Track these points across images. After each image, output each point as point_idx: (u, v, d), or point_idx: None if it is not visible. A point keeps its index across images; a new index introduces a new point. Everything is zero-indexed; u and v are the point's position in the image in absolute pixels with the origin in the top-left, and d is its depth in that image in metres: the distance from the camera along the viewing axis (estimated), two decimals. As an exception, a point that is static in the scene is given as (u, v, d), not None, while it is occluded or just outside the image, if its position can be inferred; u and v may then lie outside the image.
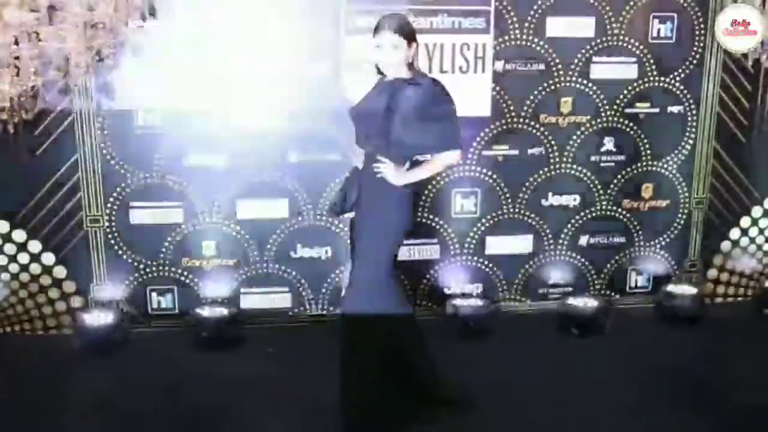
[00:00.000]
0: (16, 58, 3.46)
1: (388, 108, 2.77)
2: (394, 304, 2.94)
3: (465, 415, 3.08)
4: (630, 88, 4.26)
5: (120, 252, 4.02)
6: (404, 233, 2.97)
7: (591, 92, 4.23)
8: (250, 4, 3.82)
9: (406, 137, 2.78)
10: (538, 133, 4.25)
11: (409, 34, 2.80)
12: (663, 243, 4.54)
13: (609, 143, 4.33)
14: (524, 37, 4.09)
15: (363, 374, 2.89)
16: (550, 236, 4.41)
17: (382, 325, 2.86)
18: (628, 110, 4.29)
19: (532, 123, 4.22)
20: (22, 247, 3.93)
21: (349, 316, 2.91)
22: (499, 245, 4.35)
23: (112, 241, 4.00)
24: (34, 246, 3.94)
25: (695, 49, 4.24)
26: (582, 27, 4.12)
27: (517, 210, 4.33)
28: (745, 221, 4.57)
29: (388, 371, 2.91)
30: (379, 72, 2.93)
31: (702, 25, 4.20)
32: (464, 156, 4.06)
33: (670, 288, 4.37)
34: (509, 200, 4.31)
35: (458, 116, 2.84)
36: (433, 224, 4.28)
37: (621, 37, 4.17)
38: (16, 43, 3.44)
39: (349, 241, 3.10)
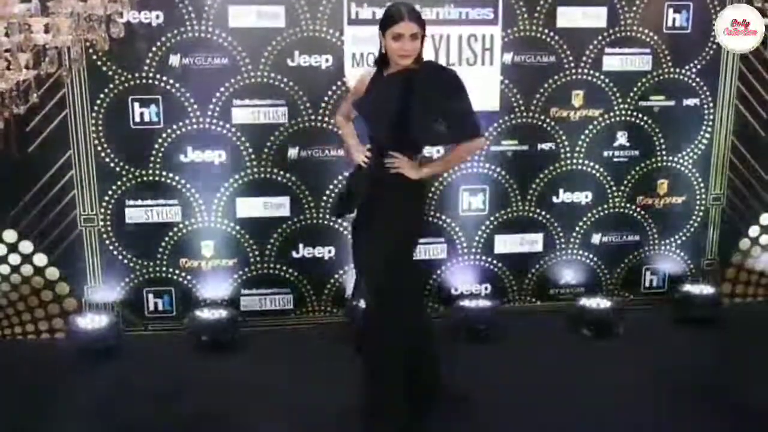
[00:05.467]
0: (7, 50, 3.36)
1: (406, 100, 2.71)
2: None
3: (469, 417, 3.04)
4: (644, 80, 4.15)
5: (115, 252, 3.91)
6: (420, 230, 3.00)
7: (603, 85, 4.12)
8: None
9: (430, 128, 2.77)
10: (549, 128, 4.14)
11: (423, 24, 2.76)
12: (679, 241, 4.43)
13: (622, 138, 4.22)
14: (534, 27, 3.97)
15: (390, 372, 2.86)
16: (561, 234, 4.29)
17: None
18: (642, 103, 4.19)
19: (543, 117, 4.12)
20: (13, 247, 3.83)
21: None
22: (508, 244, 4.25)
23: (107, 241, 3.89)
24: (26, 247, 3.84)
25: (712, 38, 4.11)
26: (594, 17, 4.01)
27: (526, 207, 4.22)
28: (764, 218, 4.45)
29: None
30: (378, 64, 2.86)
31: (718, 14, 4.05)
32: (486, 144, 3.95)
33: (687, 288, 4.26)
34: (519, 197, 4.20)
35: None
36: (440, 222, 4.15)
37: (634, 27, 4.06)
38: (6, 35, 3.33)
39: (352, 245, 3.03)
